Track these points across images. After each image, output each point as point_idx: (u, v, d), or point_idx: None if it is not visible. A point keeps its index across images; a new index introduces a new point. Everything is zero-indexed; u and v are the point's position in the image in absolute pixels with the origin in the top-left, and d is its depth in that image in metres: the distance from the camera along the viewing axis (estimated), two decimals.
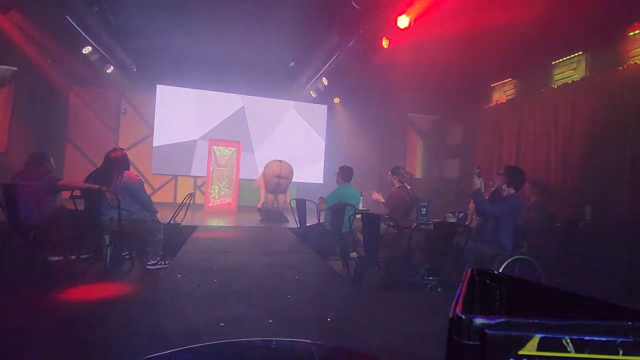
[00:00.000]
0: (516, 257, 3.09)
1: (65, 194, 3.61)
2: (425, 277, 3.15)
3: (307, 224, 4.98)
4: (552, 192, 5.09)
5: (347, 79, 7.64)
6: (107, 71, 7.40)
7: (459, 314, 0.34)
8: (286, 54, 7.36)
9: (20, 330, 2.11)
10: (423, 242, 3.48)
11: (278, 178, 6.63)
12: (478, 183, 3.33)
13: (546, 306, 0.48)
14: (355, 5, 5.03)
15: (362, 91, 8.49)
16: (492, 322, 0.33)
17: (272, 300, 2.46)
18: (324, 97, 8.87)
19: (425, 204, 3.73)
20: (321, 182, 9.54)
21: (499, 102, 6.65)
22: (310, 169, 9.56)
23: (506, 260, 3.04)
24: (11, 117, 6.82)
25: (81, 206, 3.44)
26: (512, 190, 3.35)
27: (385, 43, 5.43)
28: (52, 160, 3.70)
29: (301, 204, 5.03)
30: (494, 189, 3.58)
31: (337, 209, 4.24)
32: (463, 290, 0.44)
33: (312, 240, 4.51)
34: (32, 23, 5.53)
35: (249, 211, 8.37)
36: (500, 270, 2.97)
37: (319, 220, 4.75)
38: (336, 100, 9.45)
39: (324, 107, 9.57)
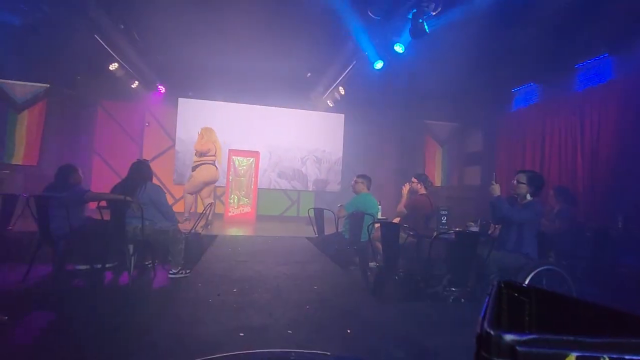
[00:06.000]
0: (543, 267, 2.96)
1: (93, 205, 3.74)
2: (448, 288, 3.06)
3: (325, 233, 4.96)
4: (578, 199, 4.88)
5: (363, 87, 7.66)
6: (132, 86, 7.70)
7: (487, 330, 0.32)
8: (303, 65, 7.46)
9: (46, 336, 2.18)
10: (444, 252, 3.40)
11: (204, 184, 6.52)
12: (497, 189, 3.21)
13: (580, 321, 0.45)
14: (371, 15, 5.06)
15: (380, 99, 8.48)
16: (524, 338, 0.31)
17: (291, 310, 2.45)
18: (341, 106, 8.91)
19: (446, 212, 3.65)
20: (338, 191, 9.52)
21: (521, 107, 6.50)
22: (328, 178, 9.56)
23: (533, 270, 2.92)
24: (43, 132, 7.18)
25: (107, 216, 3.55)
26: (529, 197, 3.22)
27: (400, 48, 5.40)
28: (80, 172, 3.85)
29: (319, 213, 5.02)
30: (516, 195, 3.44)
31: (356, 218, 4.21)
32: (490, 304, 0.42)
33: (331, 249, 4.48)
34: (63, 42, 5.84)
35: (268, 220, 8.43)
36: (527, 282, 2.86)
37: (337, 229, 4.72)
38: (353, 109, 9.47)
39: (341, 116, 9.60)
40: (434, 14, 4.63)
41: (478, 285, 3.17)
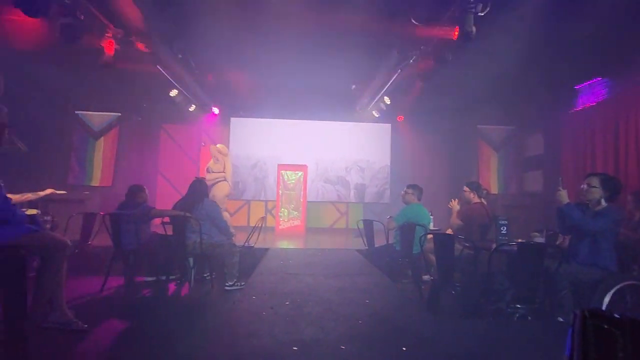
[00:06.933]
0: (626, 282, 2.62)
1: (158, 220, 4.07)
2: (512, 305, 2.83)
3: (376, 246, 4.88)
4: None
5: (409, 96, 7.51)
6: (190, 109, 8.33)
7: None
8: (347, 78, 7.53)
9: (118, 344, 2.38)
10: (505, 265, 3.16)
11: (226, 198, 6.90)
12: (565, 196, 2.90)
13: None
14: (414, 22, 4.99)
15: (427, 107, 8.25)
16: None
17: (343, 324, 2.42)
18: (386, 116, 8.81)
19: (505, 222, 3.40)
20: (388, 201, 9.34)
21: (587, 105, 5.92)
22: (376, 189, 9.44)
23: (613, 286, 2.59)
24: (116, 156, 8.02)
25: (170, 231, 3.84)
26: (604, 203, 2.88)
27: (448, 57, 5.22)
28: (147, 191, 4.22)
29: (368, 224, 4.95)
30: (587, 201, 3.10)
31: (407, 229, 4.09)
32: (576, 340, 0.35)
33: (381, 262, 4.39)
34: (131, 75, 6.53)
35: (317, 233, 8.50)
36: (607, 299, 2.55)
37: (387, 241, 4.62)
38: (400, 118, 9.31)
39: (388, 126, 9.49)
40: (482, 14, 4.44)
41: (547, 301, 2.89)
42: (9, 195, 2.30)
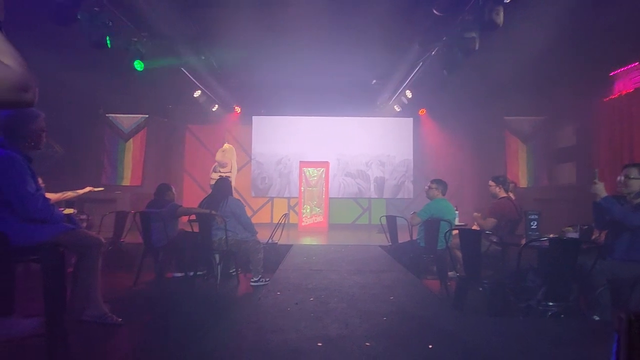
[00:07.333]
0: None
1: (185, 218, 4.20)
2: (544, 302, 2.73)
3: (399, 241, 4.82)
4: None
5: (432, 88, 7.34)
6: (213, 109, 8.51)
7: None
8: (368, 73, 7.45)
9: (149, 337, 2.48)
10: (537, 262, 3.04)
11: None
12: (603, 189, 2.75)
13: None
14: (436, 12, 4.85)
15: (450, 99, 8.04)
16: None
17: (368, 321, 2.41)
18: (408, 110, 8.66)
19: (536, 217, 3.27)
20: (411, 197, 9.21)
21: (624, 92, 5.58)
22: (395, 182, 9.32)
23: None
24: (145, 156, 8.32)
25: (197, 229, 3.95)
26: None
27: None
28: (174, 189, 4.36)
29: (392, 220, 4.90)
30: (626, 194, 2.93)
31: (431, 225, 4.02)
32: (622, 346, 0.33)
33: (405, 258, 4.33)
34: (158, 77, 6.73)
35: (340, 229, 8.49)
36: None
37: (411, 237, 4.56)
38: (422, 111, 9.13)
39: (410, 120, 9.33)
40: (507, 1, 4.26)
41: (581, 299, 2.77)
42: (48, 195, 2.44)
